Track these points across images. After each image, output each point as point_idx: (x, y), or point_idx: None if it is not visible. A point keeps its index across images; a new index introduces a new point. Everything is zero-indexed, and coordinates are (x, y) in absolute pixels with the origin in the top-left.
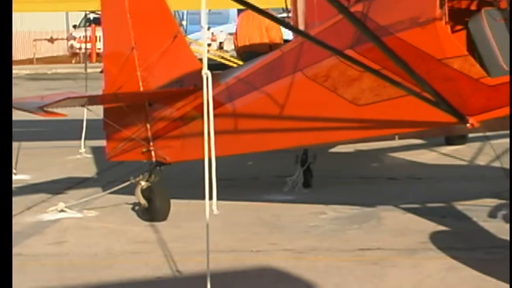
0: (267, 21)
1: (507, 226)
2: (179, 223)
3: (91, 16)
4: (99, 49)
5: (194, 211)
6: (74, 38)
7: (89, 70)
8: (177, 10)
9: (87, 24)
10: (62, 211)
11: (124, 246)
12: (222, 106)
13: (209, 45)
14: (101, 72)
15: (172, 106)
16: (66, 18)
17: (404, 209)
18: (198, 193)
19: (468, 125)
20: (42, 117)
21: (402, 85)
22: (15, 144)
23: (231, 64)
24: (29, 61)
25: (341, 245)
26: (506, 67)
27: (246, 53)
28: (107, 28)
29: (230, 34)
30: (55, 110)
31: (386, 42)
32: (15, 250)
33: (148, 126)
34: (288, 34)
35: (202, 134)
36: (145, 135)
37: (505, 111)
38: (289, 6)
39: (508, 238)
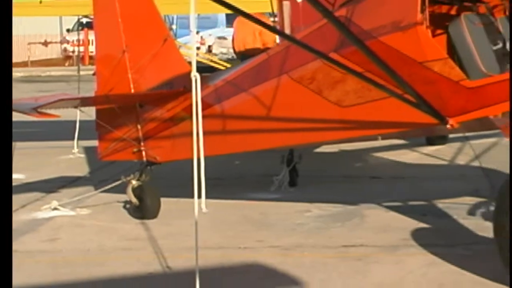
0: None
1: (486, 223)
2: (169, 221)
3: (84, 20)
4: (92, 52)
5: (184, 209)
6: (68, 42)
7: (82, 73)
8: (167, 15)
9: (80, 28)
10: (55, 209)
11: (116, 243)
12: (211, 107)
13: (198, 48)
14: (94, 74)
15: (162, 108)
16: (60, 22)
17: (387, 207)
18: (187, 192)
19: (448, 126)
20: (36, 118)
21: (384, 87)
22: None
23: (219, 66)
24: (24, 64)
25: (326, 242)
26: (485, 70)
27: (243, 56)
28: (99, 32)
29: (219, 37)
30: (48, 111)
31: (369, 46)
32: None
33: (139, 126)
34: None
35: (191, 134)
36: (136, 135)
37: (484, 112)
38: (276, 11)
39: (487, 234)
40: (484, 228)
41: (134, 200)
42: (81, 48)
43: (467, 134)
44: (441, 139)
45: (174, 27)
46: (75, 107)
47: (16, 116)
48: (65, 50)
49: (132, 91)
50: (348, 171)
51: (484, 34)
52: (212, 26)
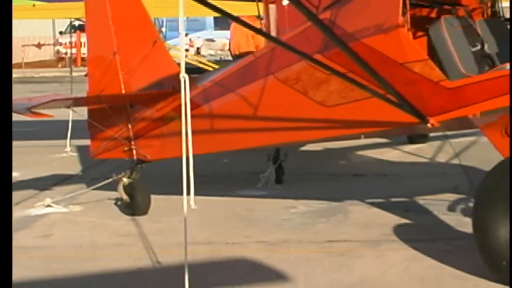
0: None
1: (466, 219)
2: (159, 218)
3: (76, 23)
4: (84, 54)
5: (173, 206)
6: (60, 44)
7: (74, 74)
8: (157, 17)
9: (73, 30)
10: (49, 206)
11: (107, 239)
12: (199, 107)
13: (187, 50)
14: (86, 75)
15: (152, 108)
16: (53, 25)
17: (370, 203)
18: (176, 189)
19: (428, 125)
20: (30, 117)
21: (367, 88)
22: None
23: (207, 68)
24: (18, 65)
25: (311, 237)
26: (464, 71)
27: (239, 59)
28: (91, 34)
29: (207, 40)
30: (42, 111)
31: (352, 47)
32: None
33: (130, 126)
34: None
35: (180, 133)
36: (127, 134)
37: (463, 112)
38: (262, 14)
39: (467, 230)
40: (464, 224)
41: (125, 197)
42: (74, 50)
43: (447, 133)
44: (422, 138)
45: (163, 29)
46: (68, 107)
47: None
48: (58, 52)
49: (123, 91)
50: (333, 169)
51: (463, 36)
52: (201, 29)
